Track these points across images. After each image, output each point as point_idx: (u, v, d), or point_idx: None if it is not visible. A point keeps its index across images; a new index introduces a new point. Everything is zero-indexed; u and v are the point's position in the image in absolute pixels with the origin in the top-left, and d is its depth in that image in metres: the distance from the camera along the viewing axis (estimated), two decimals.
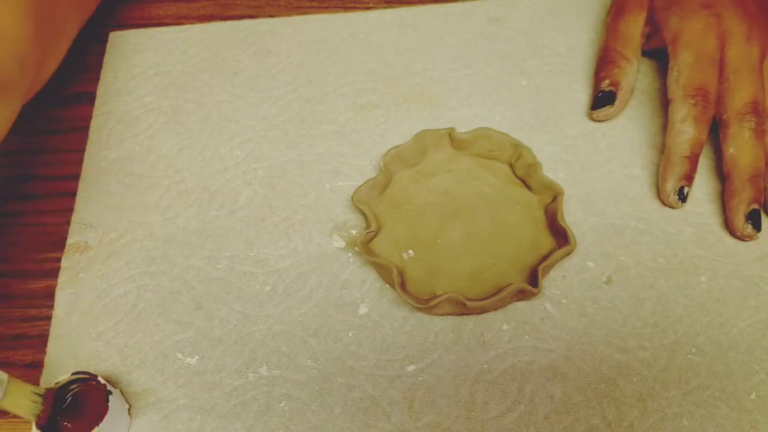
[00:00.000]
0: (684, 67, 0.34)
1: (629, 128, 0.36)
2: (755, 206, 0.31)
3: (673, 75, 0.34)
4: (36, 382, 0.29)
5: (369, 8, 0.42)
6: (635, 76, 0.36)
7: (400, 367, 0.29)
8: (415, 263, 0.31)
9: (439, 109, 0.38)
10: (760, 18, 0.34)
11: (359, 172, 0.35)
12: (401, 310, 0.30)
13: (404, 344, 0.29)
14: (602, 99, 0.36)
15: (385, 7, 0.42)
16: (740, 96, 0.32)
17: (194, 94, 0.39)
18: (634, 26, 0.37)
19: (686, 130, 0.32)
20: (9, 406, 0.23)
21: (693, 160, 0.33)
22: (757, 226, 0.31)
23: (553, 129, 0.36)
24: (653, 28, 0.37)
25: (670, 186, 0.32)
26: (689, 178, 0.32)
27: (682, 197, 0.32)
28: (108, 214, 0.34)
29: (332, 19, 0.42)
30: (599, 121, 0.36)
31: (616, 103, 0.35)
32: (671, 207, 0.33)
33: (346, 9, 0.42)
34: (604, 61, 0.37)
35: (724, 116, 0.33)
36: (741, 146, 0.32)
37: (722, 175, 0.33)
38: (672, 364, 0.29)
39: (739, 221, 0.31)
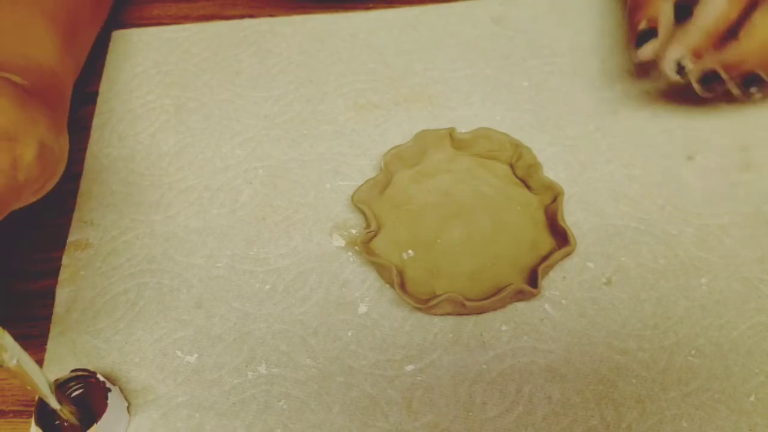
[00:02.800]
0: None
1: (629, 128, 0.36)
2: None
3: None
4: None
5: (369, 8, 0.42)
6: (671, 13, 0.32)
7: (399, 367, 0.29)
8: (415, 263, 0.31)
9: (439, 109, 0.38)
10: None
11: (359, 172, 0.35)
12: (401, 309, 0.30)
13: (403, 344, 0.29)
14: (644, 36, 0.32)
15: (386, 7, 0.42)
16: None
17: (196, 93, 0.39)
18: None
19: (717, 2, 0.30)
20: (64, 410, 0.24)
21: (711, 39, 0.30)
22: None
23: (554, 129, 0.36)
24: None
25: (674, 55, 0.30)
26: (699, 56, 0.30)
27: (681, 72, 0.31)
28: (109, 212, 0.34)
29: (333, 19, 0.42)
30: (646, 60, 0.33)
31: (660, 35, 0.32)
32: (667, 77, 0.31)
33: (347, 9, 0.42)
34: (635, 7, 0.33)
35: None
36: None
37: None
38: (671, 365, 0.29)
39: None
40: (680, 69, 0.31)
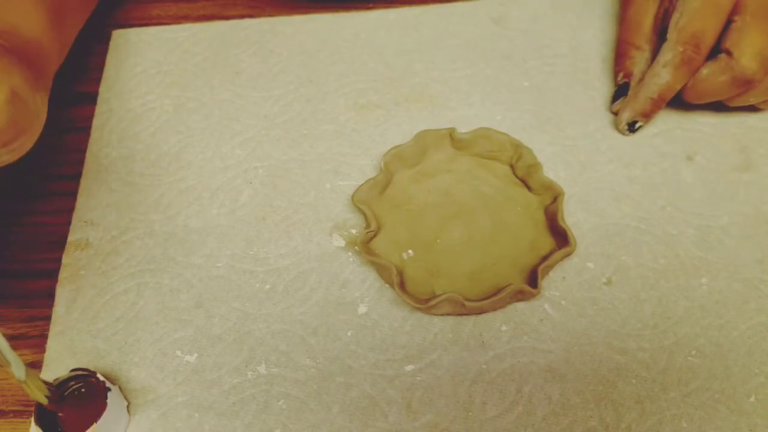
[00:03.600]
0: (687, 10, 0.33)
1: None
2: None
3: (675, 16, 0.34)
4: None
5: (370, 8, 0.42)
6: (649, 62, 0.36)
7: (399, 367, 0.29)
8: (414, 263, 0.31)
9: (439, 109, 0.38)
10: None
11: (360, 172, 0.35)
12: (401, 309, 0.30)
13: (403, 344, 0.29)
14: (618, 92, 0.37)
15: (387, 7, 0.42)
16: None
17: (196, 93, 0.39)
18: (644, 11, 0.37)
19: (662, 75, 0.34)
20: (30, 384, 0.23)
21: (657, 104, 0.35)
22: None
23: (554, 129, 0.36)
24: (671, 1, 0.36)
25: (626, 117, 0.35)
26: (647, 116, 0.35)
27: (632, 129, 0.35)
28: (109, 212, 0.34)
29: (333, 18, 0.42)
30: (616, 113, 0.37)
31: (630, 92, 0.36)
32: (620, 133, 0.36)
33: (347, 9, 0.42)
34: (617, 56, 0.38)
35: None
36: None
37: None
38: (671, 365, 0.29)
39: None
40: (632, 127, 0.36)
